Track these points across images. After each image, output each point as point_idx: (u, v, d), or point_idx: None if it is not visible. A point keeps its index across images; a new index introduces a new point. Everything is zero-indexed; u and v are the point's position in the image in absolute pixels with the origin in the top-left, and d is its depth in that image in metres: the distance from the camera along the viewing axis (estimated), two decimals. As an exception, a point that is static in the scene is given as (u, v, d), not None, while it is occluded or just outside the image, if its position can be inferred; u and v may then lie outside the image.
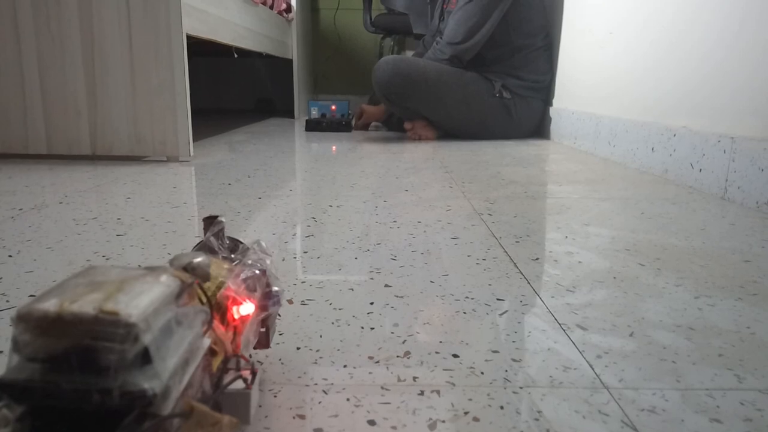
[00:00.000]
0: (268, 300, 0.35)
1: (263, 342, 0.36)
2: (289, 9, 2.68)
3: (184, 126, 1.32)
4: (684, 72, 1.18)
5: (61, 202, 0.91)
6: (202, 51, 2.62)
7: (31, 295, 0.53)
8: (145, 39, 1.28)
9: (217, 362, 0.28)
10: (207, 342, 0.26)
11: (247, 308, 0.32)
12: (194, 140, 1.82)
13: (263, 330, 0.36)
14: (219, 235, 0.35)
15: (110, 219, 0.81)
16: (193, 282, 0.26)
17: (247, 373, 0.31)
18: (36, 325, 0.19)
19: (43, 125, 1.32)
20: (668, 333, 0.47)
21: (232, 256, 0.35)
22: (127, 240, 0.71)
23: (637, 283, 0.59)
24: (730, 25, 1.03)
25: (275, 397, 0.37)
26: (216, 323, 0.29)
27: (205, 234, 0.34)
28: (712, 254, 0.69)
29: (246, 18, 1.92)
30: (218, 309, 0.30)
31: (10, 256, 0.65)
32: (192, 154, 1.35)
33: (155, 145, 1.33)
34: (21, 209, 0.86)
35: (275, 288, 0.36)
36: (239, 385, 0.30)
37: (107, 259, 0.64)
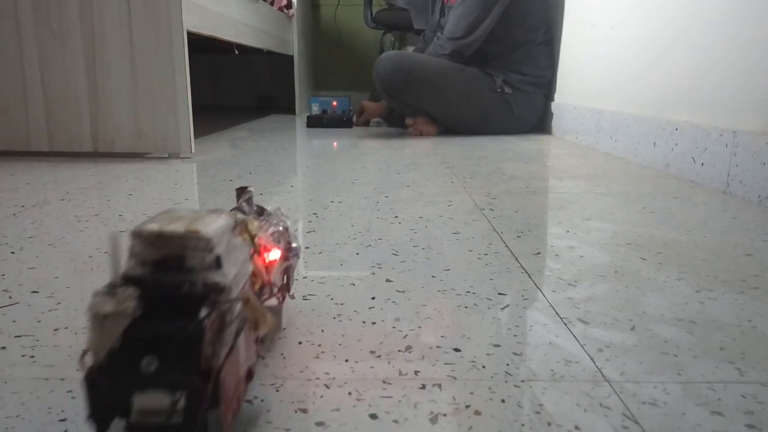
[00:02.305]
0: (289, 253, 0.43)
1: (286, 288, 0.44)
2: (289, 5, 2.67)
3: (185, 123, 1.32)
4: (685, 66, 1.18)
5: (62, 199, 0.91)
6: (202, 48, 2.62)
7: (33, 291, 0.53)
8: (146, 36, 1.28)
9: (257, 285, 0.37)
10: (251, 268, 0.34)
11: (274, 254, 0.40)
12: (195, 137, 1.82)
13: (285, 280, 0.44)
14: (249, 201, 0.42)
15: (112, 215, 0.81)
16: (243, 220, 0.36)
17: (278, 296, 0.42)
18: (145, 240, 0.28)
19: (45, 122, 1.32)
20: (669, 327, 0.47)
21: (260, 218, 0.43)
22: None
23: (639, 277, 0.59)
24: (732, 18, 1.03)
25: (277, 391, 0.37)
26: (255, 258, 0.37)
27: (237, 201, 0.42)
28: (714, 248, 0.69)
29: (246, 14, 1.92)
30: (255, 251, 0.37)
31: (12, 252, 0.65)
32: (193, 150, 1.35)
33: (156, 141, 1.33)
34: (23, 206, 0.86)
35: (294, 244, 0.44)
36: (272, 302, 0.41)
37: (109, 255, 0.64)
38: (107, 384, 0.27)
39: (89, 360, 0.27)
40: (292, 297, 0.53)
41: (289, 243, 0.44)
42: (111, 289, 0.27)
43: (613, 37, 1.53)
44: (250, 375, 0.33)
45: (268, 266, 0.39)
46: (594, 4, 1.67)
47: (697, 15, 1.14)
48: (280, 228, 0.43)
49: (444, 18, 2.06)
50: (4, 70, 1.30)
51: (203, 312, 0.28)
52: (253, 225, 0.37)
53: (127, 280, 0.28)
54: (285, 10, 2.58)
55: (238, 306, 0.31)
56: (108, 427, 0.28)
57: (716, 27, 1.07)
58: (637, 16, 1.39)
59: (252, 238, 0.36)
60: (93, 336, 0.27)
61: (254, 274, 0.36)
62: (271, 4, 2.28)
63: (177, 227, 0.28)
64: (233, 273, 0.30)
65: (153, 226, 0.28)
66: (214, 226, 0.29)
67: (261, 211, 0.44)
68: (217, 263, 0.29)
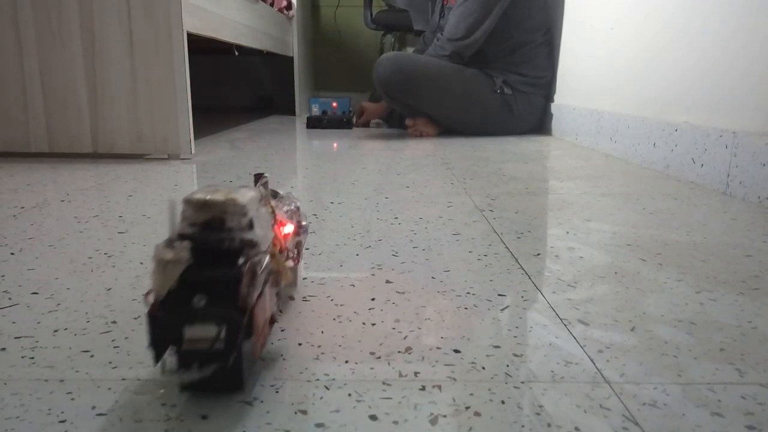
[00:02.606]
0: (300, 229, 0.51)
1: (296, 259, 0.50)
2: (289, 6, 2.67)
3: (185, 124, 1.32)
4: (685, 67, 1.18)
5: (62, 200, 0.91)
6: (202, 49, 2.62)
7: (33, 293, 0.53)
8: (146, 37, 1.28)
9: (276, 249, 0.43)
10: (272, 234, 0.42)
11: (288, 228, 0.48)
12: (195, 138, 1.82)
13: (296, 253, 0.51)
14: (265, 185, 0.47)
15: (112, 217, 0.81)
16: (266, 194, 0.44)
17: (294, 259, 0.49)
18: (194, 206, 0.36)
19: (45, 123, 1.32)
20: (669, 328, 0.47)
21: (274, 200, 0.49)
22: (128, 237, 0.71)
23: (639, 278, 0.59)
24: (731, 19, 1.03)
25: (277, 392, 0.37)
26: (275, 228, 0.44)
27: (255, 185, 0.46)
28: (714, 249, 0.69)
29: (246, 15, 1.92)
30: (274, 222, 0.44)
31: (12, 253, 0.65)
32: (193, 151, 1.35)
33: (156, 142, 1.33)
34: (23, 207, 0.86)
35: (304, 222, 0.53)
36: (290, 264, 0.46)
37: (109, 256, 0.64)
38: (165, 317, 0.34)
39: (152, 298, 0.34)
40: (292, 298, 0.53)
41: (300, 221, 0.52)
42: (170, 243, 0.35)
43: (612, 38, 1.53)
44: (272, 320, 0.42)
45: (284, 237, 0.46)
46: (593, 6, 1.67)
47: (696, 15, 1.14)
48: (293, 207, 0.51)
49: (444, 19, 2.06)
50: (4, 71, 1.30)
51: (240, 261, 0.35)
52: (272, 203, 0.45)
53: (182, 236, 0.36)
54: (285, 12, 2.58)
55: (266, 259, 0.39)
56: (164, 354, 0.35)
57: (715, 28, 1.07)
58: (636, 17, 1.40)
59: (273, 210, 0.44)
60: (156, 279, 0.34)
61: (275, 240, 0.43)
62: (271, 5, 2.29)
63: (219, 196, 0.36)
64: (262, 234, 0.38)
65: (200, 196, 0.36)
66: (247, 196, 0.37)
67: (275, 194, 0.51)
68: (250, 225, 0.37)
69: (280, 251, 0.44)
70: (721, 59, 1.06)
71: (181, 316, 0.34)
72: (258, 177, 0.47)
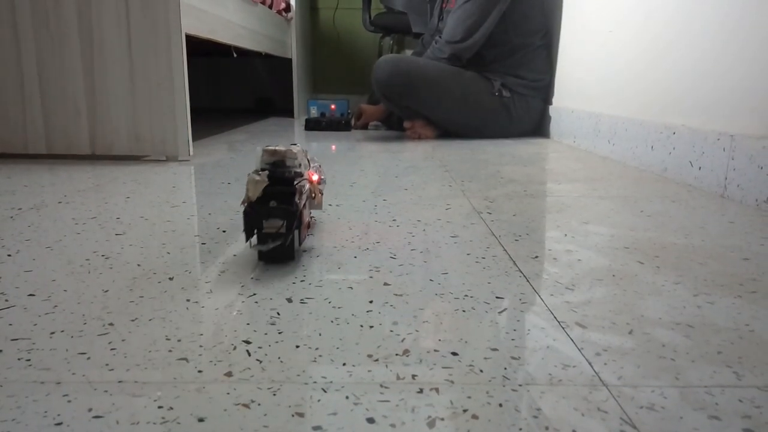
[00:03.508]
0: (322, 179, 0.75)
1: (319, 203, 0.72)
2: (288, 8, 2.68)
3: (183, 125, 1.32)
4: (683, 70, 1.18)
5: (60, 202, 0.91)
6: (201, 50, 2.62)
7: (30, 295, 0.53)
8: (144, 38, 1.28)
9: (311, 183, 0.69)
10: (309, 173, 0.68)
11: (315, 177, 0.71)
12: (193, 139, 1.82)
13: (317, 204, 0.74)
14: (306, 154, 0.70)
15: (109, 218, 0.81)
16: (306, 151, 0.70)
17: (319, 192, 0.72)
18: (268, 153, 0.62)
19: (43, 125, 1.32)
20: (667, 331, 0.47)
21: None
22: (126, 239, 0.71)
23: (636, 281, 0.59)
24: (729, 21, 1.03)
25: (274, 395, 0.37)
26: (309, 172, 0.69)
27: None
28: (711, 252, 0.69)
29: (245, 17, 1.92)
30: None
31: (9, 255, 0.64)
32: (191, 153, 1.35)
33: (155, 144, 1.33)
34: (20, 209, 0.86)
35: (323, 177, 0.76)
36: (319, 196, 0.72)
37: (106, 258, 0.64)
38: (253, 214, 0.59)
39: (245, 202, 0.59)
40: (289, 301, 0.52)
41: (320, 174, 0.74)
42: (256, 172, 0.61)
43: (610, 40, 1.54)
44: (309, 225, 0.70)
45: (314, 182, 0.70)
46: (592, 9, 1.67)
47: (694, 19, 1.14)
48: (317, 165, 0.75)
49: (442, 22, 2.06)
50: (2, 72, 1.30)
51: (294, 183, 0.61)
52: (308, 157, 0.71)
53: (262, 169, 0.62)
54: (284, 14, 2.58)
55: (307, 185, 0.66)
56: (251, 236, 0.59)
57: (713, 30, 1.08)
58: (634, 19, 1.40)
59: (309, 161, 0.70)
60: (248, 191, 0.59)
61: (310, 178, 0.69)
62: (270, 7, 2.29)
63: (281, 148, 0.63)
64: (305, 171, 0.66)
65: (271, 148, 0.62)
66: (297, 149, 0.64)
67: (311, 159, 0.76)
68: (300, 165, 0.63)
69: (312, 185, 0.70)
70: (718, 62, 1.06)
71: (261, 213, 0.59)
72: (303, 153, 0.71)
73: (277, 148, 0.62)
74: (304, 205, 0.63)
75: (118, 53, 1.29)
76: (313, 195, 0.69)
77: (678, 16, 1.20)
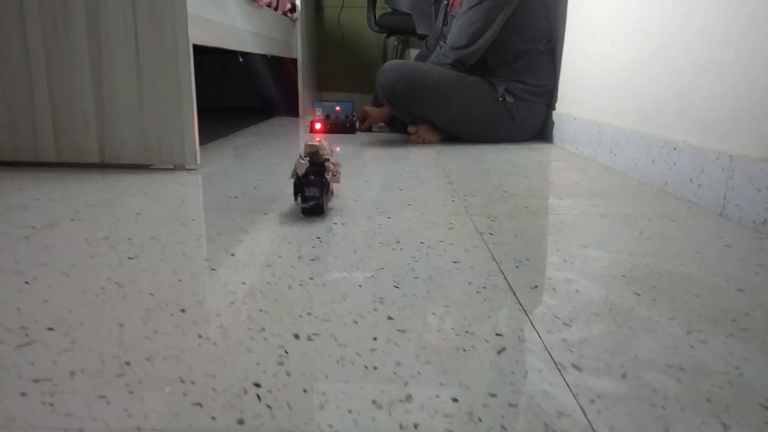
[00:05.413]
0: (339, 166, 1.09)
1: (337, 179, 1.06)
2: (293, 9, 2.68)
3: (190, 135, 1.34)
4: (683, 86, 1.19)
5: (72, 219, 0.93)
6: (207, 49, 2.62)
7: (49, 329, 0.55)
8: (152, 49, 1.30)
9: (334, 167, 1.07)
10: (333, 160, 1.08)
11: (335, 164, 1.07)
12: (200, 143, 1.84)
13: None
14: (328, 146, 1.02)
15: (121, 239, 0.84)
16: (331, 146, 1.27)
17: (338, 175, 1.08)
18: (308, 147, 0.99)
19: (52, 133, 1.34)
20: (659, 374, 0.49)
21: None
22: (138, 264, 0.73)
23: (632, 315, 0.61)
24: (731, 38, 1.04)
25: (284, 445, 0.39)
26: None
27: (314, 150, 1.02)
28: (707, 282, 0.71)
29: (251, 22, 1.93)
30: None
31: (26, 282, 0.67)
32: (199, 162, 1.37)
33: (162, 153, 1.35)
34: (34, 227, 0.89)
35: (340, 165, 1.13)
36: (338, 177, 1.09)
37: (120, 286, 0.66)
38: (299, 183, 0.96)
39: (294, 176, 0.97)
40: (296, 337, 0.55)
41: (338, 163, 1.08)
42: (301, 158, 0.97)
43: (613, 51, 1.54)
44: (332, 192, 1.08)
45: (336, 164, 1.07)
46: (595, 18, 1.68)
47: (695, 36, 1.15)
48: (336, 153, 1.33)
49: (447, 26, 2.07)
50: (12, 81, 1.32)
51: (325, 165, 0.99)
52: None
53: (303, 157, 0.98)
54: (289, 14, 2.59)
55: (332, 166, 1.02)
56: (297, 198, 1.02)
57: (715, 48, 1.09)
58: (636, 33, 1.41)
59: (332, 152, 1.06)
60: (297, 168, 0.95)
61: (334, 164, 1.05)
62: (275, 8, 2.29)
63: (316, 143, 0.98)
64: (332, 158, 1.05)
65: (310, 143, 0.98)
66: (326, 144, 1.00)
67: (332, 150, 1.09)
68: (328, 153, 1.01)
69: (334, 166, 1.05)
70: (720, 80, 1.07)
71: (304, 183, 0.96)
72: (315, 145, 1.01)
73: (313, 143, 0.98)
74: (330, 179, 1.00)
75: (127, 64, 1.31)
76: (335, 173, 1.04)
77: (680, 33, 1.21)
